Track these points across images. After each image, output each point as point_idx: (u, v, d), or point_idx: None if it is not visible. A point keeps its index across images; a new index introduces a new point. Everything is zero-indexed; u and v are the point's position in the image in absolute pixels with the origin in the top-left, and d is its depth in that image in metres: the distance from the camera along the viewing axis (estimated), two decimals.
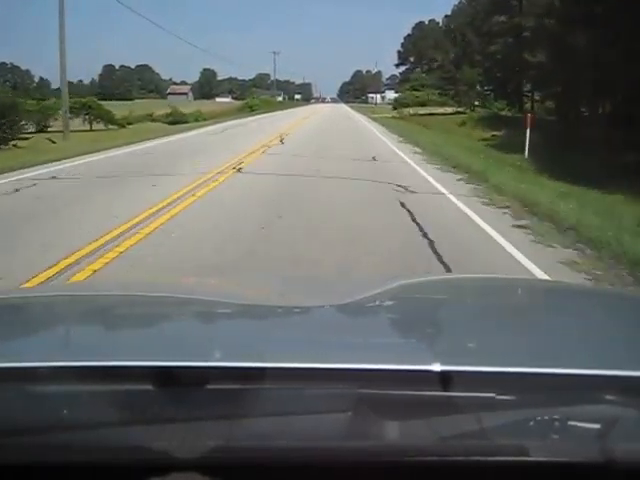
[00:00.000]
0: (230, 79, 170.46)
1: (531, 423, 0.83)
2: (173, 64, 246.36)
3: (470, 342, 1.17)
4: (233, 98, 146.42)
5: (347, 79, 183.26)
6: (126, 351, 1.08)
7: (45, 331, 1.34)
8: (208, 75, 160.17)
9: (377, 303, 1.56)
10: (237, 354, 1.02)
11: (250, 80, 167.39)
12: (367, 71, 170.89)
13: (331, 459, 0.83)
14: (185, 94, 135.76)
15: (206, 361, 0.93)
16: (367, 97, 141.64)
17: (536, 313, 1.59)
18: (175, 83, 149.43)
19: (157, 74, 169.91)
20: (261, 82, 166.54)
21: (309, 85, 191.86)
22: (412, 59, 77.66)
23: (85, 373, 0.91)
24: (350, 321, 1.40)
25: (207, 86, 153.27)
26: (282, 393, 0.88)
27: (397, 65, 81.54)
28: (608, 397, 0.86)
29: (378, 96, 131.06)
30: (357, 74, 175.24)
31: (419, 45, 71.45)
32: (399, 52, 78.14)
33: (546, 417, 0.83)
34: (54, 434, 0.85)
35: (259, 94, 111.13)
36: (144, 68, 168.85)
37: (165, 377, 0.88)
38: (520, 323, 1.43)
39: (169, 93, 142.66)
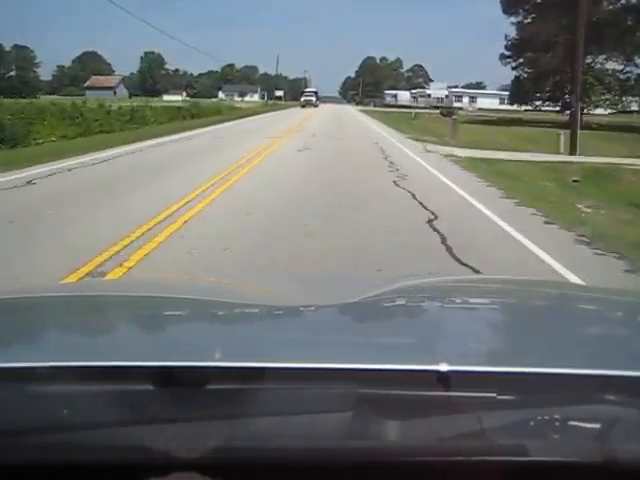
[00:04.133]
0: (210, 73, 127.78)
1: (531, 423, 0.84)
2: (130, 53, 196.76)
3: (470, 342, 1.18)
4: (190, 95, 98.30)
5: (352, 74, 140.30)
6: (126, 351, 1.08)
7: (45, 331, 1.33)
8: (152, 62, 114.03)
9: (378, 303, 1.55)
10: (237, 354, 1.03)
11: (218, 71, 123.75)
12: (382, 59, 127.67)
13: (331, 459, 0.84)
14: (111, 88, 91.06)
15: (206, 361, 0.93)
16: (384, 95, 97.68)
17: (536, 313, 1.57)
18: (97, 73, 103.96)
19: (107, 64, 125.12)
20: (248, 75, 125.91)
21: (303, 80, 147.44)
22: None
23: (85, 373, 0.91)
24: (350, 321, 1.40)
25: (150, 78, 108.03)
26: (282, 393, 0.89)
27: (509, 12, 37.71)
28: (608, 397, 0.86)
29: (406, 93, 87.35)
30: (368, 63, 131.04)
31: None
32: None
33: (546, 417, 0.84)
34: (54, 434, 0.85)
35: (230, 91, 76.60)
36: (90, 56, 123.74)
37: (165, 377, 0.88)
38: (520, 323, 1.43)
39: (87, 87, 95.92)
